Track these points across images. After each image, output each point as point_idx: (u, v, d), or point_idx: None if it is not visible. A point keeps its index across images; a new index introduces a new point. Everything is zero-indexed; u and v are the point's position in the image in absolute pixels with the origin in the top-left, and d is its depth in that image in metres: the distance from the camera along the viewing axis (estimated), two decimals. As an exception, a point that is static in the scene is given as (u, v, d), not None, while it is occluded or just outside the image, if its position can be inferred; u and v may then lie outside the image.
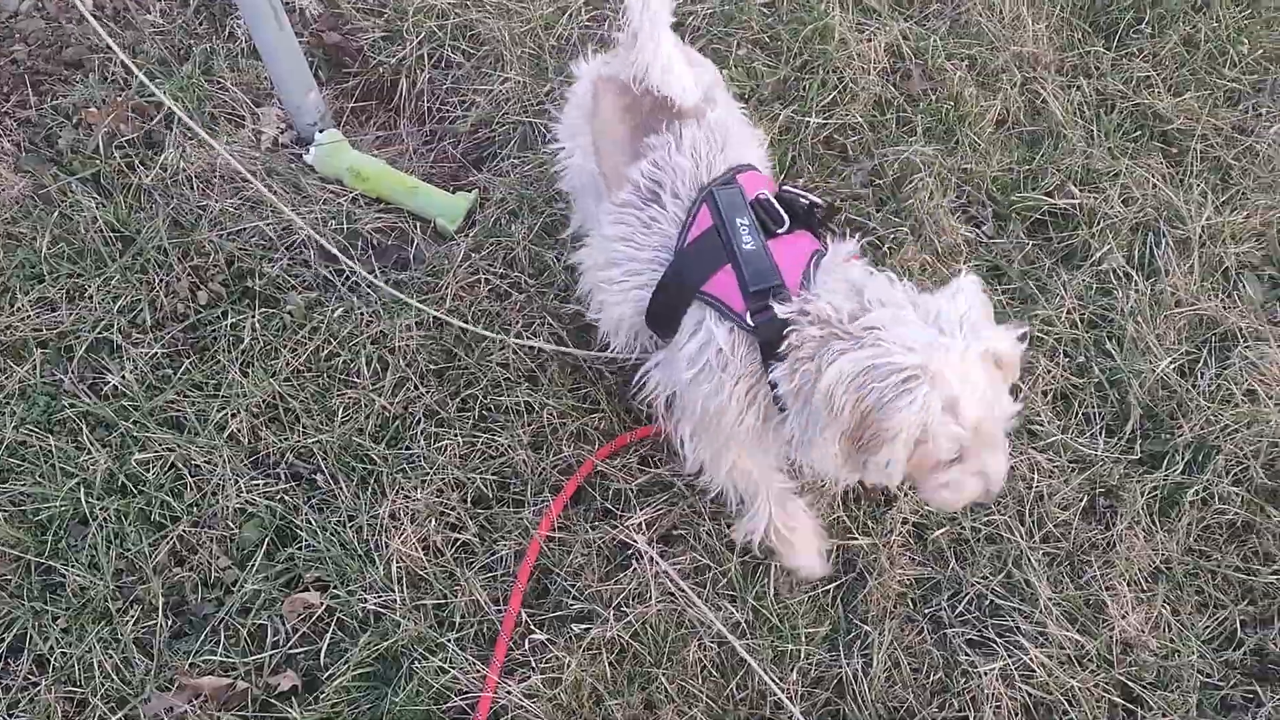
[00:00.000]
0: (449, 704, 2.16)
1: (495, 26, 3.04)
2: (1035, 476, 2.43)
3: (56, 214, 2.76)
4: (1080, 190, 2.79)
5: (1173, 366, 2.56)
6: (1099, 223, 2.75)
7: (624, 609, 2.26)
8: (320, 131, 2.84)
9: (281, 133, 2.93)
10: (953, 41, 3.05)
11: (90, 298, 2.65)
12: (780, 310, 1.81)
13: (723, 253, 1.91)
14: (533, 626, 2.24)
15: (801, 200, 2.01)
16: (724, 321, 1.89)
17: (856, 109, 2.91)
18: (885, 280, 1.82)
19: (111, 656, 2.21)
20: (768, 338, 1.84)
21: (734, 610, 2.26)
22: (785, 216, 1.96)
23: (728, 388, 1.92)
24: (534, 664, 2.19)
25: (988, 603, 2.32)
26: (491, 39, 3.05)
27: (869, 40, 3.02)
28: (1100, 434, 2.51)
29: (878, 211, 2.78)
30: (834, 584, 2.32)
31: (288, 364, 2.55)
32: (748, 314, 1.86)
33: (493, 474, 2.44)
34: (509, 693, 2.14)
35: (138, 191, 2.81)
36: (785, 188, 2.04)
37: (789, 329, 1.80)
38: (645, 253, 2.02)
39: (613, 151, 2.12)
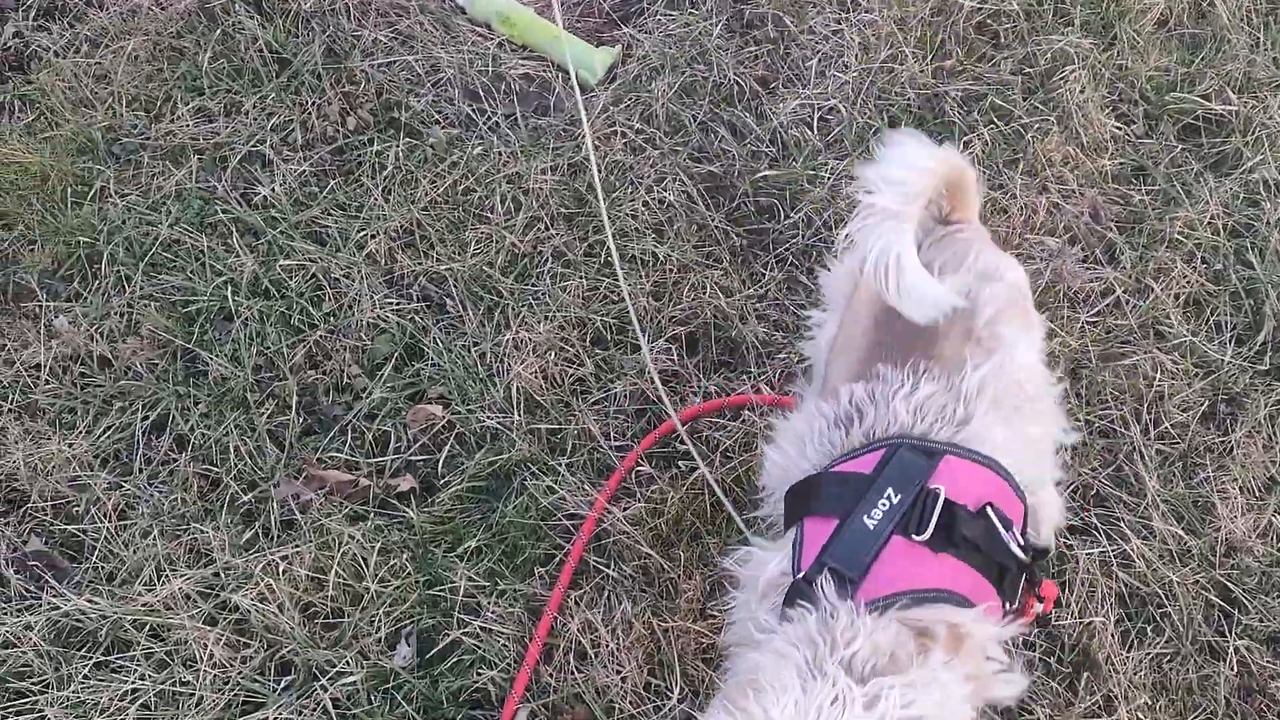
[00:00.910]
0: (555, 522, 2.24)
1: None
2: (1158, 376, 2.38)
3: (219, 31, 2.86)
4: (1238, 97, 2.69)
5: (1314, 282, 2.48)
6: (1255, 131, 2.65)
7: (729, 455, 2.31)
8: (482, -26, 2.87)
9: (437, -30, 2.97)
10: (1122, -67, 2.93)
11: (246, 113, 2.76)
12: (816, 600, 1.48)
13: (843, 504, 1.57)
14: (642, 460, 2.30)
15: (1003, 541, 1.58)
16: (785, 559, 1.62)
17: (1014, -5, 2.83)
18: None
19: (246, 443, 2.34)
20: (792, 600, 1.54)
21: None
22: (934, 525, 1.53)
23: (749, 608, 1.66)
24: (639, 494, 2.26)
25: (1093, 493, 2.30)
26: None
27: (1035, -75, 2.92)
28: (1230, 342, 2.45)
29: (1024, 100, 2.71)
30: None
31: (426, 194, 2.63)
32: (801, 571, 1.55)
33: (613, 317, 2.49)
34: (613, 516, 2.21)
35: (297, 16, 2.89)
36: (1008, 533, 1.59)
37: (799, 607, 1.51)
38: (804, 462, 1.72)
39: (846, 352, 1.80)
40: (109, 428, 2.36)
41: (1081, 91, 2.69)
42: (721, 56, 2.80)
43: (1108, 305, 2.48)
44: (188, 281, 2.52)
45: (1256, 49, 2.78)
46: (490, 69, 2.81)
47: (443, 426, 2.36)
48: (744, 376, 2.43)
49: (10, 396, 2.39)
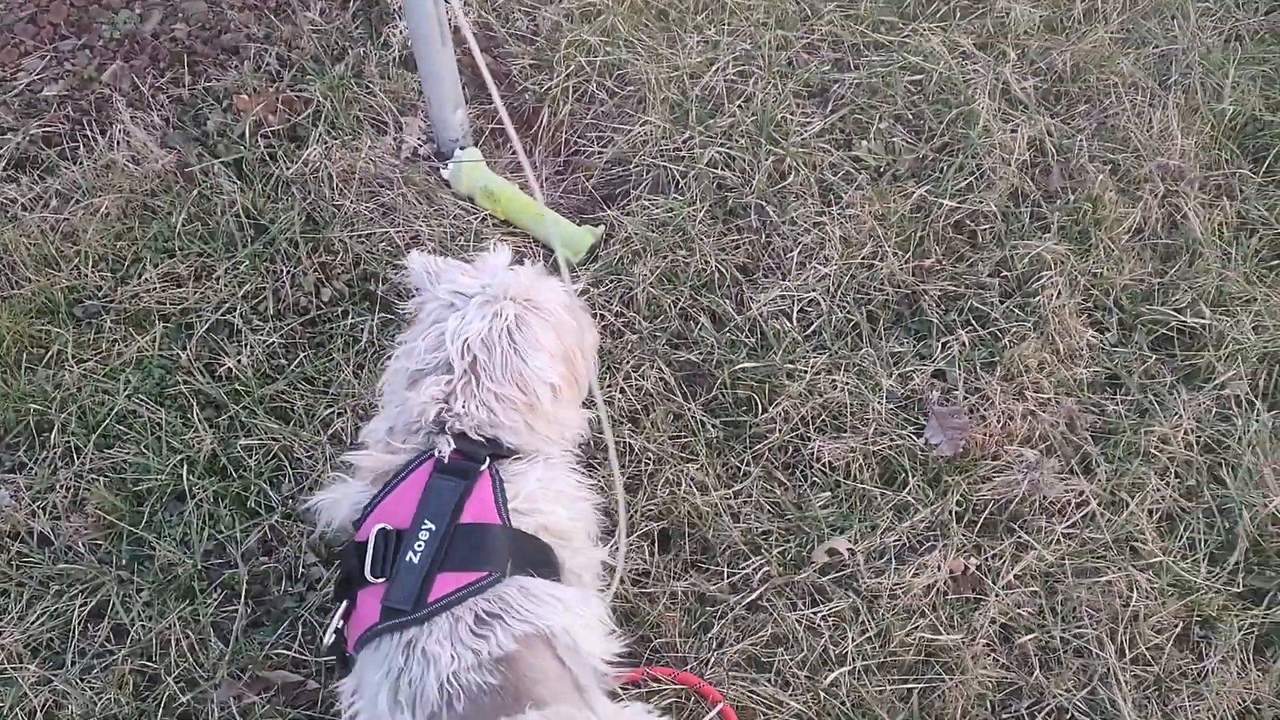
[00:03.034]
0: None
1: (643, 69, 3.05)
2: (1133, 595, 2.34)
3: (195, 193, 2.81)
4: (1211, 311, 2.71)
5: (1288, 504, 2.46)
6: (1227, 346, 2.67)
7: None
8: (461, 149, 2.86)
9: (422, 144, 2.96)
10: (1097, 144, 3.00)
11: (217, 279, 2.69)
12: None
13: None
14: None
15: None
16: None
17: (991, 197, 2.87)
18: None
19: (189, 636, 2.20)
20: None
21: (803, 704, 2.20)
22: None
23: None
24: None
25: (1068, 716, 2.23)
26: (638, 80, 3.06)
27: (1013, 131, 2.98)
28: (1203, 560, 2.41)
29: (1001, 302, 2.72)
30: (911, 678, 2.25)
31: (398, 371, 2.55)
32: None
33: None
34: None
35: (277, 182, 2.85)
36: None
37: None
38: None
39: None
40: (43, 613, 2.22)
41: (1057, 297, 2.71)
42: (704, 243, 2.79)
43: (1083, 518, 2.44)
44: (140, 457, 2.40)
45: (1228, 263, 2.82)
46: (472, 244, 2.77)
47: (401, 625, 2.24)
48: (714, 579, 2.35)
49: (-60, 576, 2.24)
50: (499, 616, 1.51)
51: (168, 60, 3.13)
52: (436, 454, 1.63)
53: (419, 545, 1.53)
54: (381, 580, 1.53)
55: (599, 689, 1.60)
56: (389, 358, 1.82)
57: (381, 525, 1.57)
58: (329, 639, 1.60)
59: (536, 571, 1.58)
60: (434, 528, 1.55)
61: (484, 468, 1.63)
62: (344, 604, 1.60)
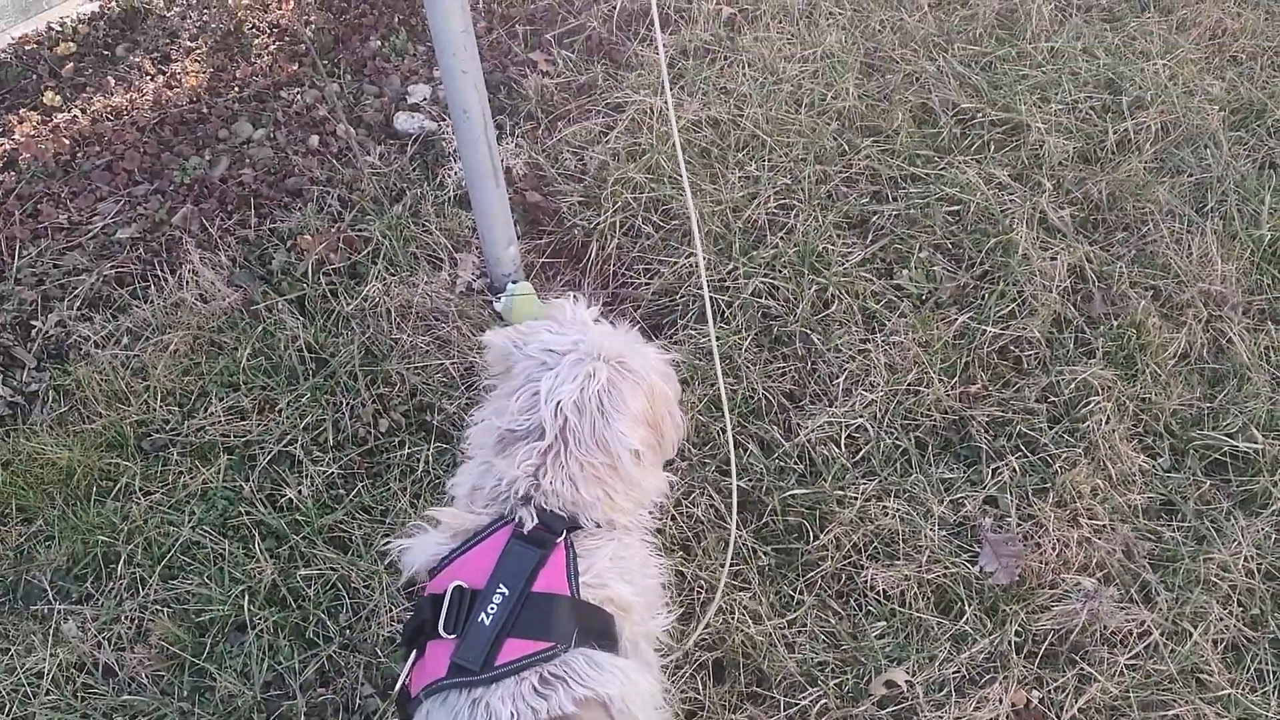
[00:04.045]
0: None
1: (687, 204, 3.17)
2: (1202, 731, 2.30)
3: (260, 329, 2.94)
4: (1264, 435, 2.72)
5: (1357, 632, 2.43)
6: (1282, 471, 2.67)
7: None
8: (513, 283, 2.98)
9: (476, 279, 3.08)
10: (1137, 270, 3.07)
11: (279, 411, 2.78)
12: None
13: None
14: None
15: None
16: None
17: (1034, 323, 2.93)
18: None
19: (248, 770, 2.22)
20: None
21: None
22: None
23: None
24: None
25: None
26: (681, 215, 3.18)
27: (1052, 259, 3.06)
28: (1274, 694, 2.37)
29: (1050, 428, 2.75)
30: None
31: (453, 501, 2.61)
32: None
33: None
34: None
35: (337, 318, 2.97)
36: None
37: None
38: None
39: None
40: (105, 746, 2.25)
41: (1106, 422, 2.73)
42: (750, 370, 2.86)
43: (1146, 648, 2.41)
44: (203, 588, 2.46)
45: (1278, 389, 2.84)
46: (523, 374, 2.86)
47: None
48: (771, 711, 2.34)
49: (7, 709, 2.29)
50: (562, 679, 1.56)
51: (235, 203, 3.30)
52: (517, 523, 1.69)
53: (492, 608, 1.59)
54: (453, 636, 1.58)
55: None
56: (478, 410, 1.87)
57: (458, 582, 1.62)
58: (399, 686, 1.64)
59: (598, 642, 1.63)
60: (507, 592, 1.60)
61: (560, 540, 1.69)
62: (414, 654, 1.64)
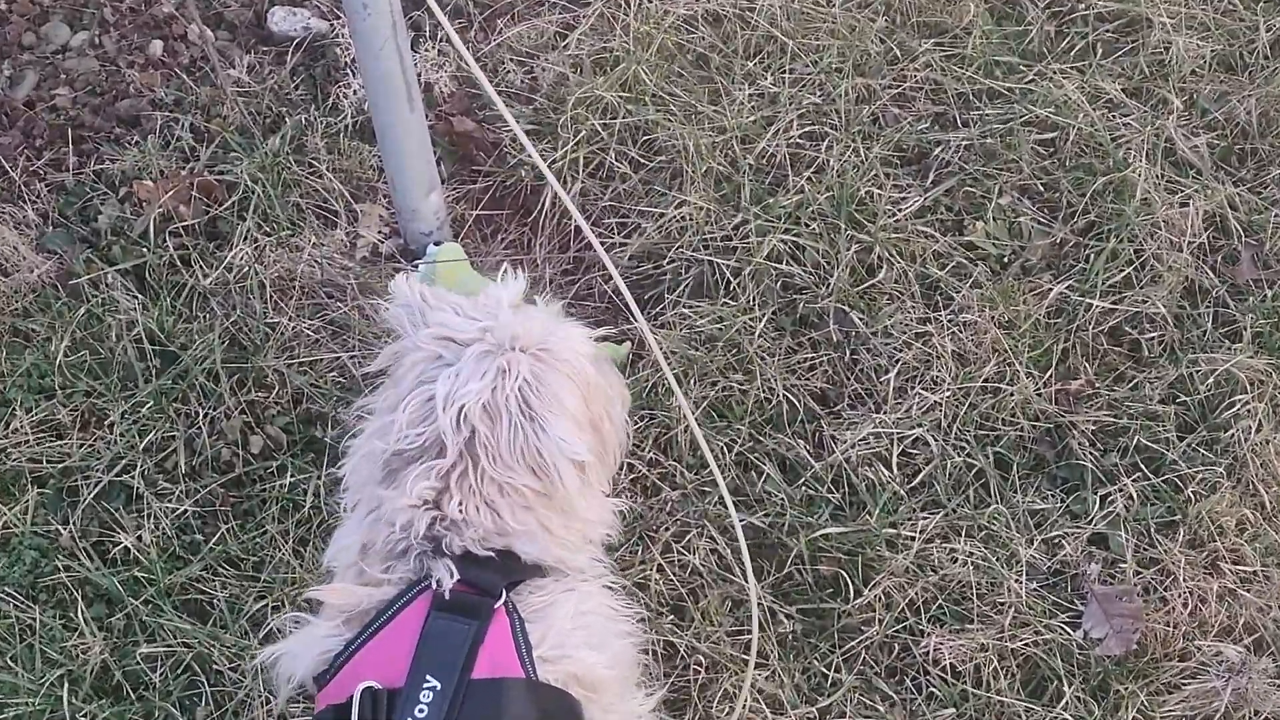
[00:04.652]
0: None
1: (678, 133, 3.19)
2: None
3: (83, 311, 2.93)
4: None
5: None
6: None
7: None
8: (436, 244, 2.98)
9: (384, 240, 3.08)
10: (1301, 221, 3.10)
11: (111, 427, 2.78)
12: None
13: None
14: None
15: None
16: None
17: (1159, 295, 2.96)
18: None
19: None
20: None
21: None
22: None
23: None
24: None
25: None
26: (671, 148, 3.19)
27: (1183, 205, 3.09)
28: None
29: (1180, 439, 2.77)
30: None
31: (353, 548, 2.62)
32: None
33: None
34: None
35: (191, 295, 2.97)
36: None
37: None
38: None
39: None
40: None
41: (1258, 430, 2.76)
42: (766, 364, 2.87)
43: (1312, 740, 2.45)
44: (7, 673, 2.46)
45: None
46: (451, 372, 2.86)
47: None
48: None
49: None
50: None
51: (46, 136, 3.29)
52: (434, 586, 1.68)
53: (421, 711, 1.58)
54: None
55: None
56: (353, 436, 1.88)
57: (367, 683, 1.61)
58: None
59: None
60: (439, 685, 1.60)
61: (498, 603, 1.69)
62: None
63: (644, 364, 2.91)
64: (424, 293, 1.87)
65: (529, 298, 1.93)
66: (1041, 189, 3.17)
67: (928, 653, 2.52)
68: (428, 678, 1.60)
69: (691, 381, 2.86)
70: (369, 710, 1.59)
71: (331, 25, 3.52)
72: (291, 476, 2.72)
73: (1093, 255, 3.04)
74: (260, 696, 2.44)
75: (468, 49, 3.44)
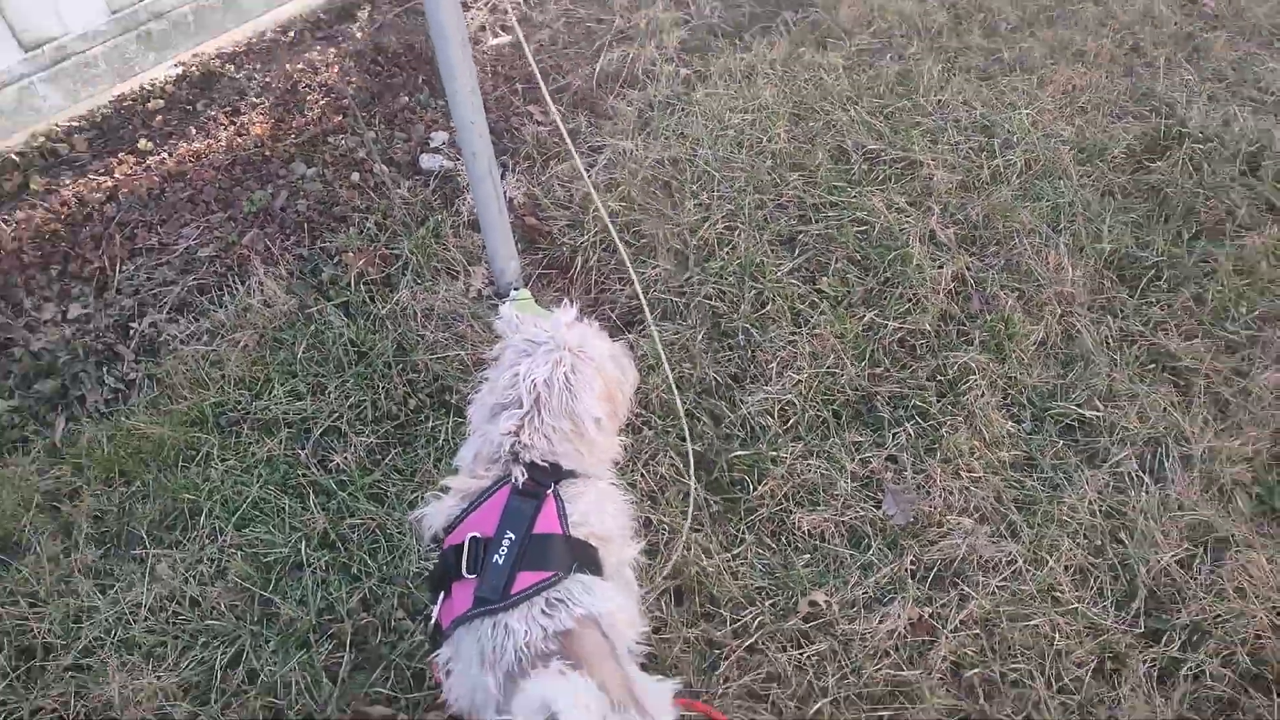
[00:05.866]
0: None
1: (653, 225, 3.17)
2: (1056, 636, 2.32)
3: (312, 328, 2.91)
4: (1104, 405, 2.75)
5: (1174, 559, 2.44)
6: (1118, 434, 2.69)
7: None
8: (515, 289, 2.96)
9: (485, 287, 3.06)
10: (1006, 276, 3.08)
11: (328, 394, 2.76)
12: None
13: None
14: None
15: None
16: None
17: (926, 319, 2.94)
18: None
19: (306, 678, 2.21)
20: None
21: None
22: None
23: None
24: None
25: (1008, 739, 2.19)
26: (649, 234, 3.17)
27: (939, 268, 3.07)
28: (1111, 606, 2.40)
29: (938, 400, 2.76)
30: (881, 707, 2.23)
31: (468, 463, 2.60)
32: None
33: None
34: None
35: (375, 319, 2.95)
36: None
37: None
38: None
39: None
40: (193, 662, 2.23)
41: (981, 396, 2.75)
42: (703, 358, 2.86)
43: (1012, 573, 2.43)
44: (269, 535, 2.45)
45: (1115, 367, 2.86)
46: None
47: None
48: (719, 626, 2.35)
49: (114, 632, 2.27)
50: (563, 602, 1.56)
51: (292, 227, 3.27)
52: (513, 480, 1.68)
53: (503, 550, 1.58)
54: (473, 576, 1.57)
55: (630, 658, 1.65)
56: (474, 394, 1.87)
57: (474, 533, 1.61)
58: (432, 621, 1.64)
59: (588, 569, 1.63)
60: (514, 536, 1.60)
61: (549, 491, 1.68)
62: (441, 595, 1.63)
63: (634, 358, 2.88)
64: (517, 316, 1.86)
65: (579, 319, 1.92)
66: (860, 258, 3.15)
67: (794, 523, 2.51)
68: (508, 531, 1.61)
69: (660, 368, 2.84)
70: (474, 549, 1.60)
71: (455, 164, 3.50)
72: (433, 423, 2.70)
73: (889, 297, 3.02)
74: (415, 549, 2.44)
75: (531, 179, 3.43)
